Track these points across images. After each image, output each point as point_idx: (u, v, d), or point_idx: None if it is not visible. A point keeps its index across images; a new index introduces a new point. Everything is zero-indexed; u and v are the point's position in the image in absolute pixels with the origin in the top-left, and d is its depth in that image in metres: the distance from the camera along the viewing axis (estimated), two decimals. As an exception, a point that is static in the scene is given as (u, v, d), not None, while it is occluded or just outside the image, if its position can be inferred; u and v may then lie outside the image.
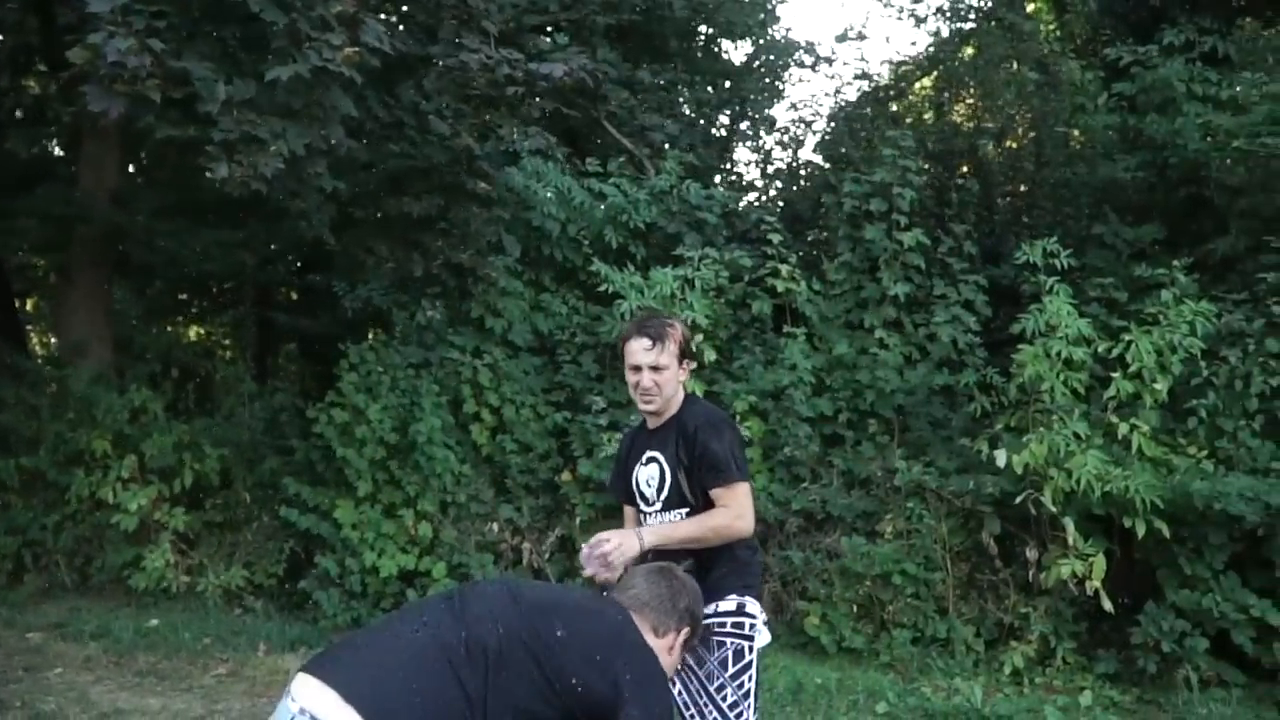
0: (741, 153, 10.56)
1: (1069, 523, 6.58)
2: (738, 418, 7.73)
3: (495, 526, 8.02)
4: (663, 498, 3.64)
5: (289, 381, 9.09)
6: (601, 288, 8.21)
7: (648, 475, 3.69)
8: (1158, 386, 6.72)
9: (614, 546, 3.45)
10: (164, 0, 5.34)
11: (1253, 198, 7.62)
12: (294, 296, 9.83)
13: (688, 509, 3.63)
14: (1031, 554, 6.78)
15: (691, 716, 3.62)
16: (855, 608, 7.12)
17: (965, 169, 8.60)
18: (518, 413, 8.30)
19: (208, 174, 5.24)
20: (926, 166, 8.09)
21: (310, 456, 8.39)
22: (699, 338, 7.77)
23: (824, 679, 6.40)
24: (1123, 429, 6.69)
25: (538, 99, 6.50)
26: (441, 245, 7.43)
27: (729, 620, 3.63)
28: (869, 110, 9.58)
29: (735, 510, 3.59)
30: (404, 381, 8.28)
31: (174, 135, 5.33)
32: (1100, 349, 6.79)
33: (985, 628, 6.93)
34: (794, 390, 7.54)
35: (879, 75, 10.74)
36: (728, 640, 3.60)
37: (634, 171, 9.15)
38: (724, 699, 3.50)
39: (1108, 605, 6.52)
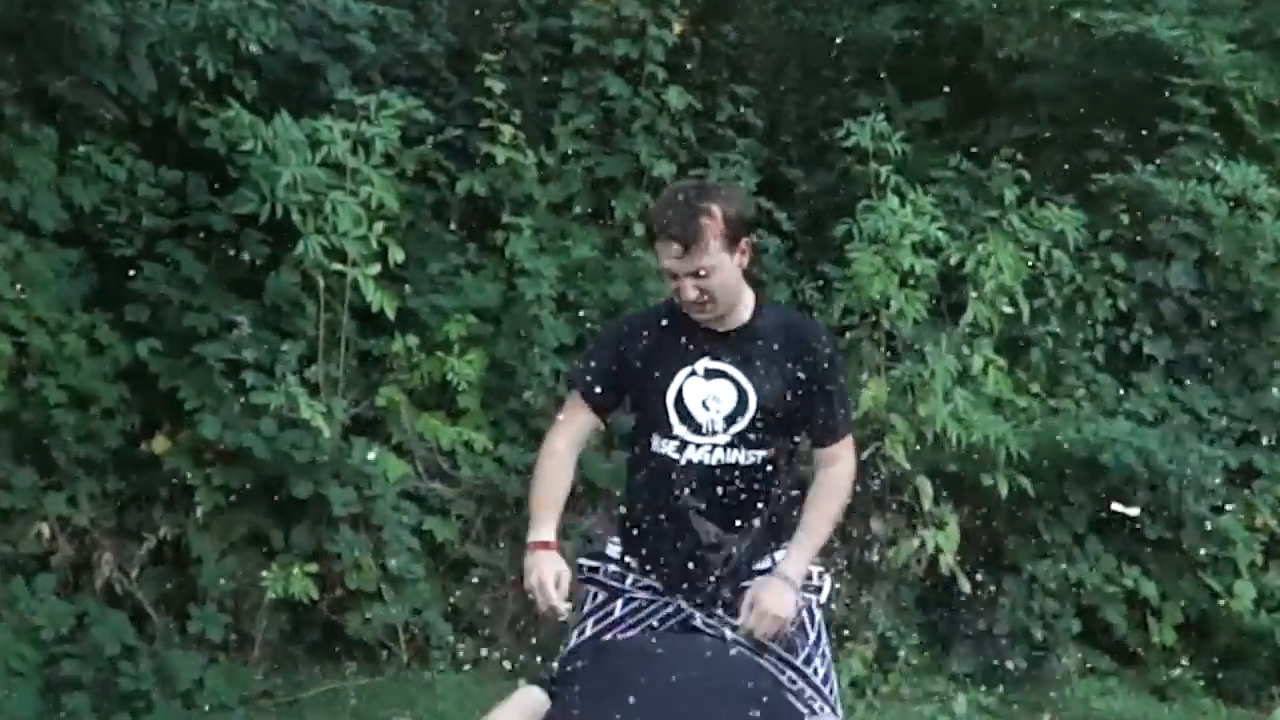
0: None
1: (924, 483, 5.12)
2: (454, 349, 5.26)
3: (45, 530, 4.84)
4: (733, 430, 2.74)
5: None
6: (205, 142, 5.21)
7: (711, 393, 2.79)
8: (1009, 310, 5.39)
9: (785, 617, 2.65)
10: None
11: (1034, 76, 6.50)
12: None
13: (764, 452, 2.76)
14: (879, 527, 5.19)
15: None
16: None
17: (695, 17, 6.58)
18: (56, 341, 5.05)
19: None
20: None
21: None
22: (379, 227, 5.14)
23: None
24: (976, 364, 5.27)
25: None
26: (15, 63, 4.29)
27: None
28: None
29: (850, 471, 2.88)
30: None
31: None
32: (953, 260, 5.28)
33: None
34: (536, 308, 5.22)
35: None
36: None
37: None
38: (814, 672, 2.79)
39: (965, 586, 5.19)
